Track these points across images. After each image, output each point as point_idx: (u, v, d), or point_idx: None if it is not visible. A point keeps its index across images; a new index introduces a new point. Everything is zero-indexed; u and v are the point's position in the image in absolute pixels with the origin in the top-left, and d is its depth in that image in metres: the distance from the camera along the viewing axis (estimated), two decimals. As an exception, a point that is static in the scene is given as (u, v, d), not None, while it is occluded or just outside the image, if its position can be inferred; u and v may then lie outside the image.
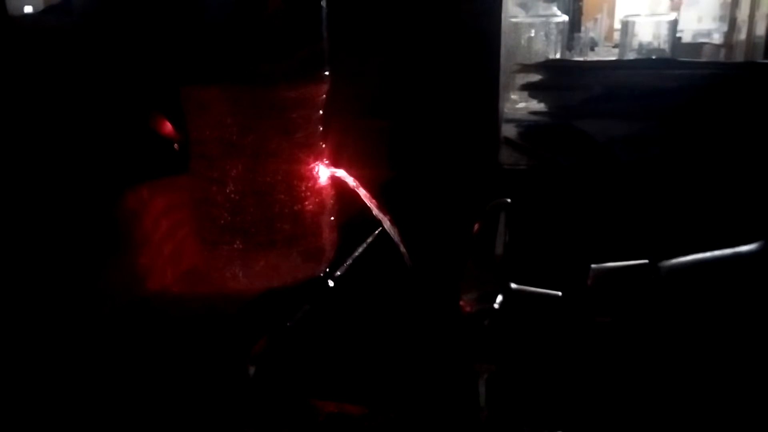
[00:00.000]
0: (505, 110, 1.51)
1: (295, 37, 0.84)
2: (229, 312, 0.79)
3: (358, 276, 0.89)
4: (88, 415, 0.64)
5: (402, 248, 0.85)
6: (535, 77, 1.36)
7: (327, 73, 0.85)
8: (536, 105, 1.48)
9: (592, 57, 1.95)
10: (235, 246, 0.82)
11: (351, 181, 0.84)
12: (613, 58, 1.79)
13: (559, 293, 0.59)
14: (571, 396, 0.60)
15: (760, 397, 0.54)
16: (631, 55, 1.77)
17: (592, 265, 0.58)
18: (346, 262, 0.90)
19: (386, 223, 0.85)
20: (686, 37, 1.92)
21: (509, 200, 0.61)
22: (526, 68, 1.37)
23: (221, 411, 0.69)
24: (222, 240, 0.82)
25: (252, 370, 0.71)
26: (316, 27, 0.85)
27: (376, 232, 0.93)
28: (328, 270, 0.88)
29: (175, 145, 0.92)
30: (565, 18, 1.74)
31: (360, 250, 0.92)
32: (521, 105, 1.60)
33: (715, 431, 0.56)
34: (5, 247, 0.69)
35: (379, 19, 1.15)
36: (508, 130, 1.39)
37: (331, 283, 0.86)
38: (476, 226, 0.61)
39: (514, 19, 1.67)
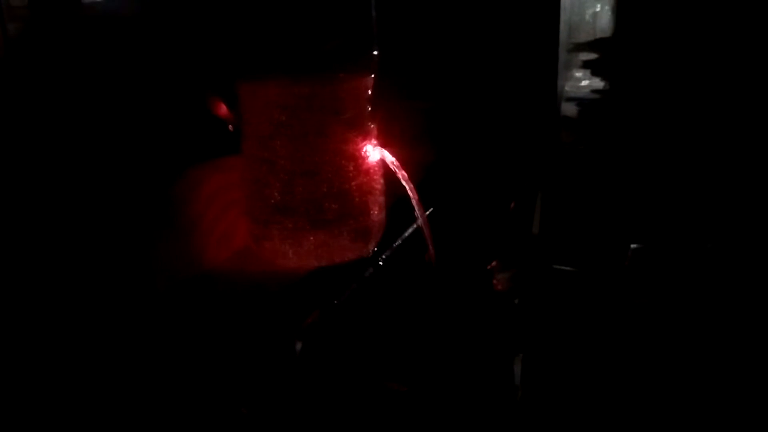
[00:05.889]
0: (567, 88, 1.47)
1: (344, 17, 0.84)
2: (278, 290, 0.81)
3: (407, 256, 0.89)
4: (138, 387, 0.67)
5: (427, 234, 0.84)
6: (596, 55, 1.31)
7: (375, 53, 0.85)
8: (599, 83, 1.44)
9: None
10: (285, 225, 0.83)
11: (391, 161, 0.84)
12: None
13: (596, 273, 0.57)
14: (604, 376, 0.59)
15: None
16: (704, 29, 1.68)
17: (632, 245, 0.56)
18: (395, 242, 0.90)
19: (417, 208, 0.84)
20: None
21: (546, 180, 0.60)
22: (580, 47, 1.33)
23: (269, 384, 0.70)
24: (272, 219, 0.84)
25: (299, 346, 0.72)
26: (366, 7, 0.84)
27: (427, 212, 0.93)
28: (376, 250, 0.88)
29: (230, 126, 0.94)
30: (633, -9, 1.67)
31: (409, 231, 0.91)
32: (585, 83, 1.55)
33: (752, 412, 0.54)
34: (65, 225, 0.73)
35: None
36: (569, 109, 1.35)
37: (379, 263, 0.87)
38: (512, 206, 0.60)
39: (578, -6, 1.61)
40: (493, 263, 0.61)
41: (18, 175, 0.80)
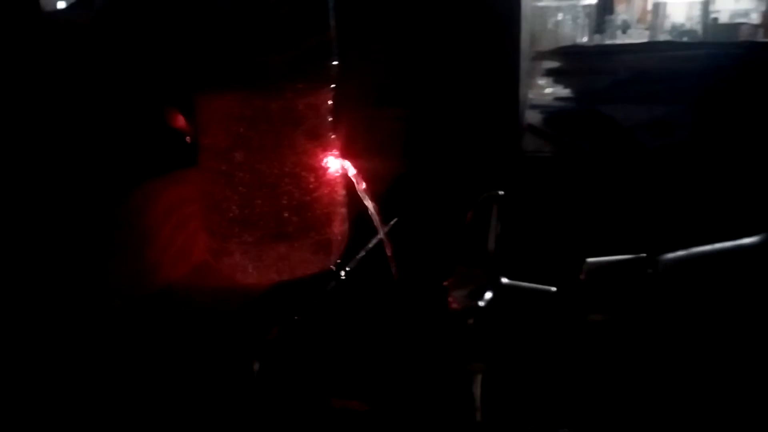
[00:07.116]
0: (531, 96, 1.48)
1: (301, 26, 0.82)
2: (237, 306, 0.79)
3: (371, 269, 0.88)
4: (89, 412, 0.65)
5: (387, 248, 0.83)
6: (558, 63, 1.32)
7: (335, 63, 0.84)
8: (562, 91, 1.45)
9: (624, 40, 1.89)
10: (245, 239, 0.81)
11: (352, 172, 0.83)
12: (645, 41, 1.73)
13: (553, 289, 0.56)
14: (565, 394, 0.58)
15: (760, 395, 0.50)
16: (662, 37, 1.71)
17: (587, 259, 0.56)
18: (358, 255, 0.89)
19: (376, 221, 0.83)
20: (723, 18, 1.83)
21: (501, 192, 0.59)
22: (542, 55, 1.34)
23: (225, 406, 0.68)
24: (231, 233, 0.82)
25: (257, 365, 0.70)
26: (323, 16, 0.83)
27: (391, 223, 0.91)
28: (339, 262, 0.87)
29: (187, 138, 0.92)
30: (593, 1, 1.70)
31: (373, 242, 0.90)
32: (548, 91, 1.56)
33: (713, 430, 0.53)
34: (13, 243, 0.70)
35: (392, 3, 1.13)
36: (533, 117, 1.36)
37: (342, 276, 0.85)
38: (468, 217, 0.59)
39: (540, 3, 1.63)
40: (449, 280, 0.60)
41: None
